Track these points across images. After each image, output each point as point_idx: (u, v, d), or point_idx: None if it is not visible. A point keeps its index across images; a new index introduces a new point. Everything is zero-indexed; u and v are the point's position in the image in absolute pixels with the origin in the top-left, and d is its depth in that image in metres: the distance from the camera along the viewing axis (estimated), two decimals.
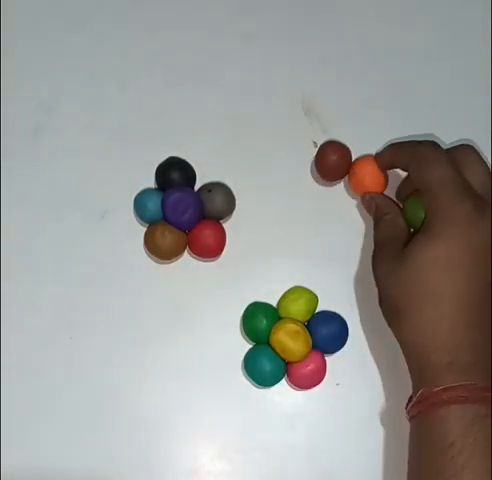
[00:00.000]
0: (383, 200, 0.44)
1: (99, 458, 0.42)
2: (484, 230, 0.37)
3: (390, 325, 0.39)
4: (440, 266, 0.36)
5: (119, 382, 0.43)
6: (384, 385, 0.43)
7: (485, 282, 0.37)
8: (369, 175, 0.44)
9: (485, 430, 0.34)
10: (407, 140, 0.44)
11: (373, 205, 0.44)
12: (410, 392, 0.38)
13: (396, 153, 0.42)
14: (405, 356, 0.38)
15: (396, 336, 0.39)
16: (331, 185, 0.46)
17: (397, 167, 0.42)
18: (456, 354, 0.36)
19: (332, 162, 0.44)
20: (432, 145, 0.40)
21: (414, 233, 0.40)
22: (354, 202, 0.46)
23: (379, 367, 0.43)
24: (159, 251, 0.43)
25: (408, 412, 0.38)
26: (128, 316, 0.44)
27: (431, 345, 0.36)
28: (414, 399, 0.37)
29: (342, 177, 0.45)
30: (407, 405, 0.38)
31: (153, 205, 0.43)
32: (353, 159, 0.45)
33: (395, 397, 0.40)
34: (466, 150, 0.40)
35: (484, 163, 0.40)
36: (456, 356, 0.36)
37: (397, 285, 0.38)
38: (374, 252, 0.41)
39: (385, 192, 0.45)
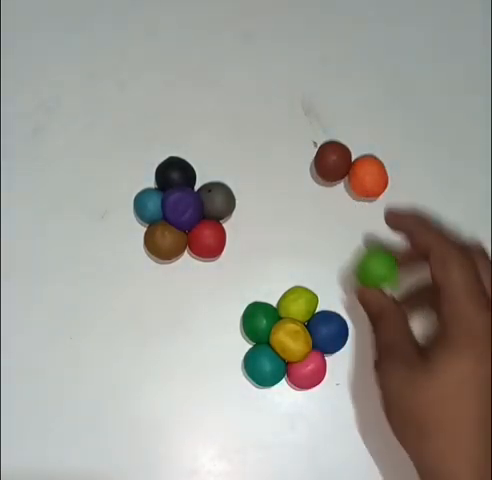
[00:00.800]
0: (378, 296, 0.40)
1: (99, 458, 0.42)
2: None
3: (403, 440, 0.36)
4: (468, 383, 0.34)
5: (119, 382, 0.43)
6: None
7: None
8: (369, 175, 0.44)
9: None
10: (431, 223, 0.41)
11: (367, 301, 0.41)
12: None
13: (418, 234, 0.39)
14: (421, 477, 0.35)
15: (412, 454, 0.35)
16: (331, 185, 0.46)
17: (416, 248, 0.39)
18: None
19: (332, 162, 0.44)
20: (459, 246, 0.37)
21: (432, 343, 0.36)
22: (354, 202, 0.46)
23: None
24: (159, 251, 0.43)
25: None
26: (128, 316, 0.44)
27: (461, 473, 0.33)
28: None
29: (342, 177, 0.45)
30: None
31: (153, 205, 0.43)
32: (353, 159, 0.45)
33: None
34: (479, 252, 0.38)
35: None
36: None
37: (417, 398, 0.34)
38: (380, 357, 0.38)
39: (384, 193, 0.45)
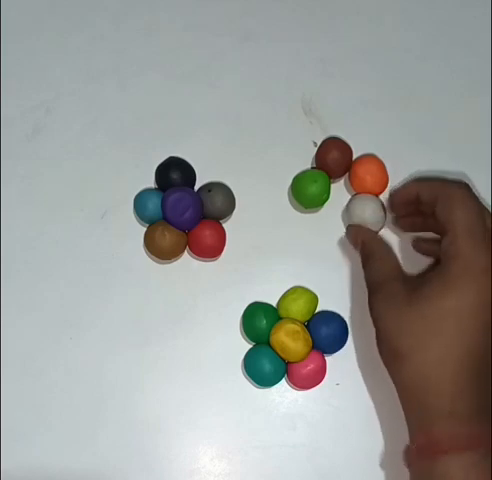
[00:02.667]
0: (370, 235, 0.43)
1: (99, 458, 0.42)
2: None
3: (388, 368, 0.38)
4: (453, 316, 0.35)
5: (119, 382, 0.43)
6: (384, 384, 0.43)
7: None
8: (370, 174, 0.44)
9: (486, 476, 0.34)
10: (436, 176, 0.43)
11: (359, 240, 0.43)
12: None
13: (425, 186, 0.41)
14: (402, 401, 0.38)
15: (394, 380, 0.38)
16: (331, 183, 0.46)
17: (418, 200, 0.41)
18: (457, 401, 0.35)
19: (333, 158, 0.44)
20: (466, 187, 0.39)
21: (422, 274, 0.40)
22: None
23: (379, 367, 0.43)
24: (159, 251, 0.43)
25: (406, 460, 0.37)
26: (128, 316, 0.44)
27: (433, 391, 0.36)
28: (412, 446, 0.37)
29: (342, 174, 0.45)
30: (405, 452, 0.38)
31: (153, 205, 0.43)
32: (353, 159, 0.45)
33: (394, 395, 0.40)
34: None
35: None
36: (457, 403, 0.35)
37: (401, 328, 0.37)
38: (370, 293, 0.40)
39: (385, 191, 0.45)
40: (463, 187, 0.39)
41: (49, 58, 0.47)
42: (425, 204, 0.40)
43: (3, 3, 0.47)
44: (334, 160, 0.44)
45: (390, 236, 0.45)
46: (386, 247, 0.43)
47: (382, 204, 0.44)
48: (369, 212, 0.44)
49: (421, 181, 0.42)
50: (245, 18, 0.48)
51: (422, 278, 0.38)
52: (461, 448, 0.34)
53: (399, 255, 0.45)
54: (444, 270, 0.36)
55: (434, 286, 0.36)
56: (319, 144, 0.46)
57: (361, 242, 0.43)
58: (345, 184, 0.46)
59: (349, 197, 0.46)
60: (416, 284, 0.38)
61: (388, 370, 0.38)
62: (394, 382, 0.38)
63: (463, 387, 0.35)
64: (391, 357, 0.38)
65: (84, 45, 0.47)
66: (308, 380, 0.42)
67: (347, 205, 0.45)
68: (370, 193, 0.45)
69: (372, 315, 0.39)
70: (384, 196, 0.45)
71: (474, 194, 0.39)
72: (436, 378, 0.36)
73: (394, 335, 0.37)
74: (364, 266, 0.42)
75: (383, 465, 0.42)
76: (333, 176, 0.45)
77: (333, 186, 0.45)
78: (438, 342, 0.36)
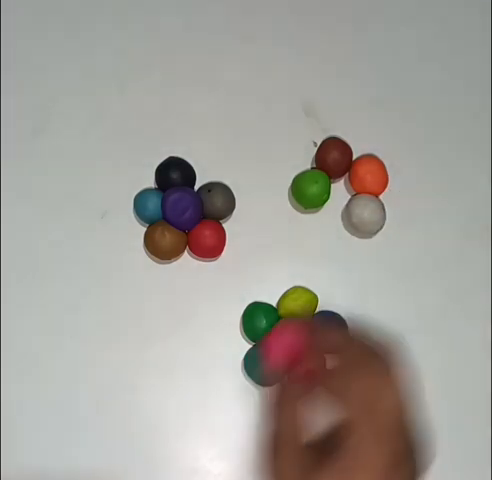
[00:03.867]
0: (280, 387, 0.35)
1: (99, 458, 0.42)
2: None
3: None
4: None
5: (119, 382, 0.43)
6: None
7: None
8: (370, 174, 0.44)
9: None
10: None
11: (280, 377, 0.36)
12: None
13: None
14: None
15: None
16: (331, 183, 0.46)
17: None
18: None
19: (333, 159, 0.44)
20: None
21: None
22: None
23: None
24: (159, 251, 0.43)
25: None
26: (128, 316, 0.44)
27: None
28: None
29: (342, 174, 0.45)
30: None
31: (153, 205, 0.43)
32: (353, 159, 0.46)
33: None
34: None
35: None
36: None
37: None
38: (268, 452, 0.35)
39: (385, 192, 0.45)
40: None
41: (49, 58, 0.47)
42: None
43: (3, 3, 0.47)
44: (334, 160, 0.45)
45: (391, 236, 0.45)
46: (295, 405, 0.35)
47: (382, 204, 0.45)
48: (368, 212, 0.44)
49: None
50: (245, 18, 0.48)
51: (319, 453, 0.33)
52: None
53: (398, 258, 0.44)
54: (340, 448, 0.32)
55: (327, 468, 0.32)
56: (319, 144, 0.46)
57: (272, 392, 0.35)
58: (345, 184, 0.46)
59: (349, 197, 0.46)
60: (313, 460, 0.33)
61: None
62: None
63: None
64: None
65: (84, 45, 0.47)
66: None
67: (347, 205, 0.45)
68: (370, 193, 0.45)
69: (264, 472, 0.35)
70: (384, 196, 0.45)
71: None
72: None
73: None
74: (269, 418, 0.35)
75: None
76: (333, 176, 0.45)
77: (333, 186, 0.45)
78: None
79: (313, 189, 0.44)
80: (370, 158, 0.45)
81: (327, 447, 0.33)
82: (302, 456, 0.34)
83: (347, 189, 0.46)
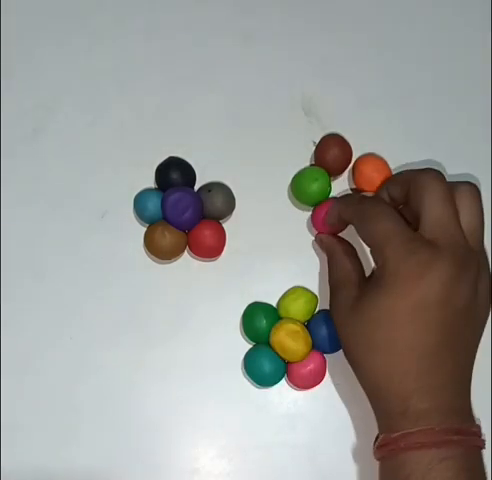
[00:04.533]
0: (328, 241, 0.44)
1: (99, 458, 0.42)
2: (432, 284, 0.35)
3: (351, 363, 0.39)
4: (389, 321, 0.36)
5: (119, 382, 0.43)
6: None
7: (438, 334, 0.36)
8: (377, 172, 0.44)
9: (443, 474, 0.34)
10: (353, 194, 0.45)
11: (323, 245, 0.44)
12: None
13: (342, 210, 0.41)
14: (370, 401, 0.39)
15: (358, 375, 0.39)
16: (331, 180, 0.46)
17: (347, 223, 0.42)
18: (409, 402, 0.36)
19: (333, 156, 0.44)
20: (374, 199, 0.41)
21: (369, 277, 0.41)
22: None
23: None
24: (159, 251, 0.43)
25: (374, 454, 0.38)
26: (128, 316, 0.44)
27: (384, 395, 0.37)
28: (376, 443, 0.38)
29: (342, 172, 0.45)
30: (374, 447, 0.38)
31: (153, 205, 0.43)
32: (354, 159, 0.45)
33: None
34: (466, 189, 0.39)
35: (479, 207, 0.38)
36: (409, 404, 0.36)
37: (351, 335, 0.38)
38: (330, 297, 0.41)
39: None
40: (373, 199, 0.41)
41: (49, 58, 0.47)
42: (396, 200, 0.41)
43: (3, 3, 0.47)
44: (334, 157, 0.44)
45: None
46: (345, 249, 0.43)
47: None
48: None
49: (339, 204, 0.42)
50: (245, 18, 0.48)
51: (369, 281, 0.39)
52: (417, 447, 0.35)
53: None
54: (378, 279, 0.37)
55: (370, 294, 0.37)
56: (318, 141, 0.46)
57: (324, 247, 0.44)
58: (345, 183, 0.46)
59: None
60: (361, 290, 0.39)
61: (350, 364, 0.39)
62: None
63: (413, 387, 0.36)
64: (350, 362, 0.39)
65: (84, 45, 0.47)
66: (308, 380, 0.42)
67: None
68: (374, 192, 0.45)
69: (333, 320, 0.40)
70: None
71: (386, 202, 0.40)
72: (385, 382, 0.37)
73: (344, 341, 0.39)
74: (328, 265, 0.43)
75: None
76: (333, 173, 0.45)
77: (333, 188, 0.45)
78: (381, 348, 0.37)
79: (313, 187, 0.44)
80: (374, 157, 0.45)
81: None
82: (353, 290, 0.39)
83: (348, 190, 0.46)
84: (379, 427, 0.38)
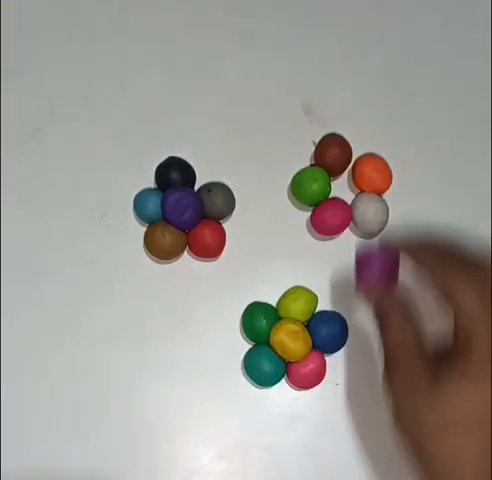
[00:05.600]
0: (383, 297, 0.36)
1: (99, 458, 0.42)
2: None
3: (406, 447, 0.34)
4: (475, 412, 0.32)
5: (119, 382, 0.43)
6: None
7: None
8: (377, 172, 0.44)
9: None
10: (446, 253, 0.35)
11: (372, 301, 0.36)
12: None
13: (428, 264, 0.35)
14: None
15: (415, 470, 0.34)
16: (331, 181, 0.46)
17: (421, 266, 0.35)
18: None
19: (333, 155, 0.44)
20: (466, 273, 0.33)
21: (440, 354, 0.33)
22: None
23: (379, 367, 0.43)
24: (159, 251, 0.43)
25: None
26: (128, 316, 0.44)
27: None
28: None
29: (342, 171, 0.45)
30: None
31: (153, 205, 0.43)
32: (354, 159, 0.45)
33: None
34: None
35: None
36: None
37: (419, 417, 0.32)
38: (387, 367, 0.35)
39: (389, 191, 0.45)
40: (465, 272, 0.33)
41: (49, 58, 0.47)
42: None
43: (3, 3, 0.47)
44: (334, 157, 0.44)
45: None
46: (404, 310, 0.35)
47: (386, 205, 0.45)
48: (373, 211, 0.44)
49: (429, 253, 0.35)
50: (245, 18, 0.48)
51: (441, 361, 0.33)
52: None
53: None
54: (464, 357, 0.32)
55: (455, 377, 0.32)
56: (318, 141, 0.46)
57: (374, 304, 0.36)
58: (345, 183, 0.46)
59: (349, 195, 0.46)
60: (436, 369, 0.33)
61: (405, 448, 0.34)
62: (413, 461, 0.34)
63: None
64: (407, 441, 0.33)
65: (84, 45, 0.47)
66: (308, 380, 0.42)
67: (351, 204, 0.45)
68: (376, 191, 0.45)
69: (387, 390, 0.34)
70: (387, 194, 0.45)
71: (477, 279, 0.33)
72: (451, 474, 0.32)
73: (410, 423, 0.33)
74: (379, 332, 0.36)
75: (383, 464, 0.42)
76: (333, 173, 0.45)
77: (333, 188, 0.45)
78: (458, 437, 0.32)
79: (313, 187, 0.44)
80: (374, 157, 0.45)
81: (443, 357, 0.33)
82: (420, 366, 0.33)
83: (349, 187, 0.46)
84: None
